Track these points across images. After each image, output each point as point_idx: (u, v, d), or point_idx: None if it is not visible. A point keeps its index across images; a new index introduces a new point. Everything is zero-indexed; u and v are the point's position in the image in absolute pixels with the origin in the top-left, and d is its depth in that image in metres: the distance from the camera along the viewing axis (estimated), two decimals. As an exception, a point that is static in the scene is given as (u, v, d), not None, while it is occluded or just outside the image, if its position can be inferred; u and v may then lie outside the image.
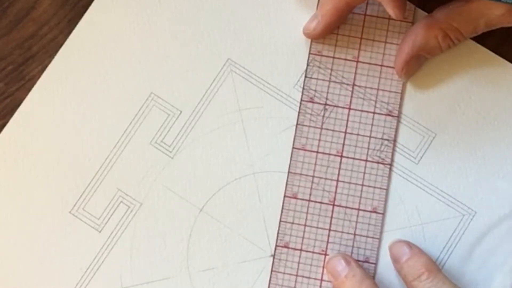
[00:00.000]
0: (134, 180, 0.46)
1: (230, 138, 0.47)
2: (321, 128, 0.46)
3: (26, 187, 0.46)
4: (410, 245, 0.44)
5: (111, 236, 0.46)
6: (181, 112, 0.47)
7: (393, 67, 0.47)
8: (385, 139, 0.46)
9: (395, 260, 0.44)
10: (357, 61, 0.47)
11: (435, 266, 0.43)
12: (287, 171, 0.46)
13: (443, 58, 0.47)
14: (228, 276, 0.45)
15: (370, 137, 0.46)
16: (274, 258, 0.45)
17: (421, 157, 0.46)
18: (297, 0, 0.47)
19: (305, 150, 0.46)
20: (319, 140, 0.46)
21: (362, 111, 0.47)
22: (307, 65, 0.47)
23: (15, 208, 0.46)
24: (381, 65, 0.47)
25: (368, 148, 0.46)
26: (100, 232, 0.46)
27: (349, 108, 0.47)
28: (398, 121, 0.47)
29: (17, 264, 0.45)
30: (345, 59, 0.47)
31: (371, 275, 0.45)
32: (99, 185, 0.46)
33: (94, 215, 0.46)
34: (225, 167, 0.46)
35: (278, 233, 0.46)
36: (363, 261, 0.45)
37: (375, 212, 0.46)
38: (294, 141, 0.46)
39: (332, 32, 0.47)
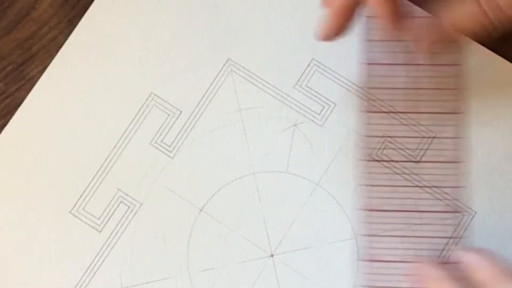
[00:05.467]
0: (134, 180, 0.46)
1: (230, 138, 0.47)
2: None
3: (26, 187, 0.46)
4: (481, 251, 0.41)
5: (111, 236, 0.46)
6: (181, 112, 0.47)
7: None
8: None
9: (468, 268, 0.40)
10: (357, 61, 0.47)
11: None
12: (286, 171, 0.46)
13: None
14: (228, 276, 0.45)
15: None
16: (274, 261, 0.45)
17: (421, 157, 0.46)
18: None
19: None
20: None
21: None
22: (307, 65, 0.47)
23: (15, 208, 0.46)
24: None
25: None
26: (100, 232, 0.46)
27: (349, 108, 0.47)
28: (398, 121, 0.47)
29: (17, 264, 0.45)
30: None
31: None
32: (99, 185, 0.46)
33: (94, 215, 0.46)
34: (225, 167, 0.46)
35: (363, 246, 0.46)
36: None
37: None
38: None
39: (344, 32, 0.43)
